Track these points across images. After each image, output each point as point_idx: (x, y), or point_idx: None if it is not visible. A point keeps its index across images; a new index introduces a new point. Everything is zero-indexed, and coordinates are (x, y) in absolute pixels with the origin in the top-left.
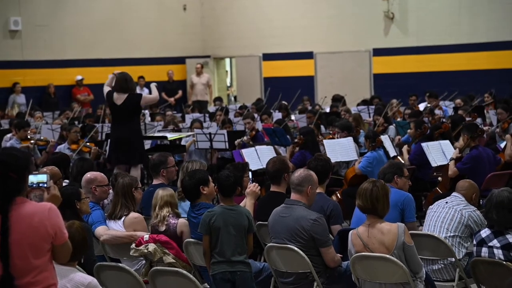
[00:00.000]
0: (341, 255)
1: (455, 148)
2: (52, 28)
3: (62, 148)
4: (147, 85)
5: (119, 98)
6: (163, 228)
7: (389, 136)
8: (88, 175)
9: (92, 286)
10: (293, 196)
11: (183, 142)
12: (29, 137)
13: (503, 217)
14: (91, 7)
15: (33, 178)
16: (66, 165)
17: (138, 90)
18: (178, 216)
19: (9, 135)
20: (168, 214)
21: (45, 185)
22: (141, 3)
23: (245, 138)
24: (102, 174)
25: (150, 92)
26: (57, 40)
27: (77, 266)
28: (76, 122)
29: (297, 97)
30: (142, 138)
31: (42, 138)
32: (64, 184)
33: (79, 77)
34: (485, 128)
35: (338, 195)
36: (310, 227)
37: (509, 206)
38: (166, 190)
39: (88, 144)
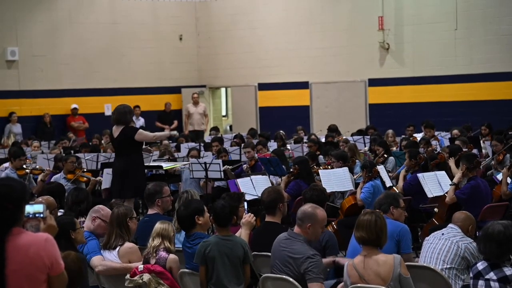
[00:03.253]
0: None
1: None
2: (49, 58)
3: (58, 177)
4: (143, 114)
5: (116, 131)
6: (153, 261)
7: (385, 167)
8: (100, 206)
9: None
10: (296, 229)
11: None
12: (24, 166)
13: (490, 250)
14: (88, 37)
15: (29, 208)
16: (61, 195)
17: (134, 119)
18: (169, 251)
19: (5, 165)
20: (159, 245)
21: (42, 215)
22: (138, 32)
23: (244, 166)
24: (109, 211)
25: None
26: (54, 70)
27: None
28: (72, 152)
29: (292, 127)
30: (140, 172)
31: (37, 167)
32: (59, 213)
33: (74, 106)
34: (481, 160)
35: (334, 225)
36: (302, 262)
37: (498, 239)
38: (162, 223)
39: (84, 174)
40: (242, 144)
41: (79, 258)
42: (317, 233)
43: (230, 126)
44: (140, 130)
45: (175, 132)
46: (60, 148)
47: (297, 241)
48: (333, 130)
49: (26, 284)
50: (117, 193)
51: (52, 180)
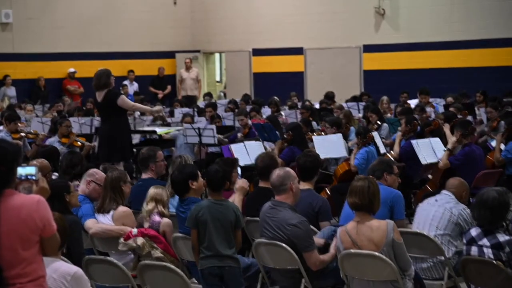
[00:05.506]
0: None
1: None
2: (43, 21)
3: (53, 141)
4: (137, 79)
5: (99, 96)
6: (147, 225)
7: (379, 134)
8: (94, 169)
9: (78, 276)
10: (278, 197)
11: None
12: (19, 129)
13: (484, 216)
14: (82, 0)
15: (21, 171)
16: (56, 158)
17: (127, 83)
18: (162, 215)
19: None
20: (152, 209)
21: (34, 178)
22: None
23: (239, 134)
24: (104, 175)
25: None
26: (48, 33)
27: (63, 257)
28: (66, 116)
29: (287, 93)
30: (126, 136)
31: (32, 131)
32: (53, 177)
33: (72, 70)
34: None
35: (327, 191)
36: (290, 231)
37: (491, 206)
38: (156, 188)
39: (78, 138)
40: (236, 111)
41: (63, 217)
42: (298, 188)
43: (224, 94)
44: (123, 96)
45: (158, 108)
46: (54, 112)
47: (282, 209)
48: (330, 97)
49: (18, 245)
50: (105, 157)
51: (47, 143)
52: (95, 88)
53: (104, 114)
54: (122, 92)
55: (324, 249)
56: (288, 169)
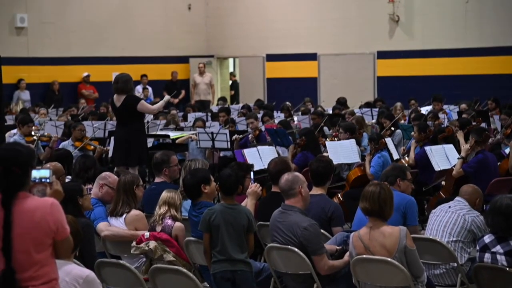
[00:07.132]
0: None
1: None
2: (58, 25)
3: (66, 144)
4: (150, 83)
5: (118, 100)
6: (159, 229)
7: (392, 140)
8: (107, 173)
9: (90, 279)
10: (287, 201)
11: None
12: (32, 133)
13: (498, 223)
14: (97, 5)
15: (35, 173)
16: (69, 162)
17: (140, 88)
18: (175, 219)
19: (13, 131)
20: (165, 213)
21: (48, 180)
22: (147, 2)
23: (250, 136)
24: (117, 178)
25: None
26: (63, 37)
27: (75, 260)
28: (80, 119)
29: (300, 99)
30: (142, 140)
31: (45, 134)
32: (66, 180)
33: (86, 74)
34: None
35: (340, 197)
36: (300, 234)
37: (506, 213)
38: (169, 192)
39: (92, 142)
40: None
41: (76, 220)
42: (307, 193)
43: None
44: (142, 101)
45: (168, 97)
46: (68, 115)
47: (292, 213)
48: (342, 103)
49: (32, 248)
50: (121, 160)
51: (60, 147)
52: (117, 91)
53: (121, 118)
54: (143, 95)
55: (339, 255)
56: (296, 173)
